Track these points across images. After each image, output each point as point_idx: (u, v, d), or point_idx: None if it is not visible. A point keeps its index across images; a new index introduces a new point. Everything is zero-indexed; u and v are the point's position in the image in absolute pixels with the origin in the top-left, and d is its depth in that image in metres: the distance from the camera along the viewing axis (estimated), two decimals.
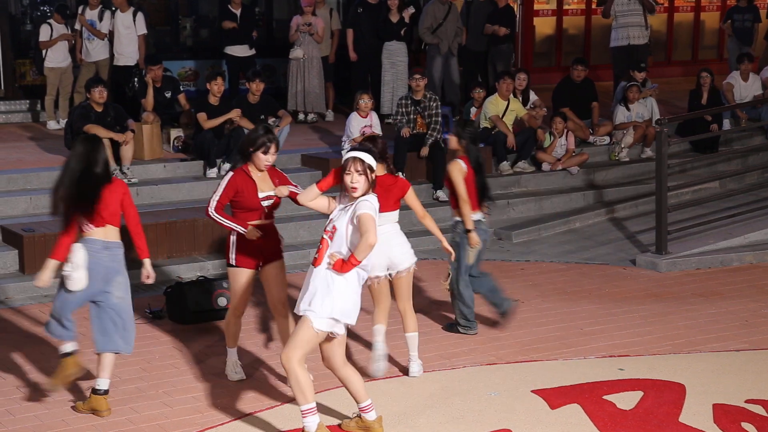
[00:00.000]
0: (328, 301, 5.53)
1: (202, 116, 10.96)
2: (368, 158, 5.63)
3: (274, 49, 15.18)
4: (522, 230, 10.96)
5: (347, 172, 5.58)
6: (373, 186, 5.65)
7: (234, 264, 6.52)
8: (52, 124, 13.10)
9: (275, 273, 6.60)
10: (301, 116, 13.78)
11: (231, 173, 6.49)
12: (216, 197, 6.45)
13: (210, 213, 6.45)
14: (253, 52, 13.64)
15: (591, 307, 8.48)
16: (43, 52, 13.04)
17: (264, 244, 6.50)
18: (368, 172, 5.60)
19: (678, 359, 7.27)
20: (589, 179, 12.43)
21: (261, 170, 6.48)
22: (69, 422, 6.08)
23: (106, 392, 6.16)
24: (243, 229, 6.41)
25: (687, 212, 10.84)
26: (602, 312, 8.36)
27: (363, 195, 5.58)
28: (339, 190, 5.73)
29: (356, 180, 5.55)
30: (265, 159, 6.44)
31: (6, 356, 7.20)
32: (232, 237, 6.49)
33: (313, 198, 5.83)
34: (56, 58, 13.06)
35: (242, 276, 6.53)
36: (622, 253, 10.31)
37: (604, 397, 6.53)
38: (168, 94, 11.76)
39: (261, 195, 6.47)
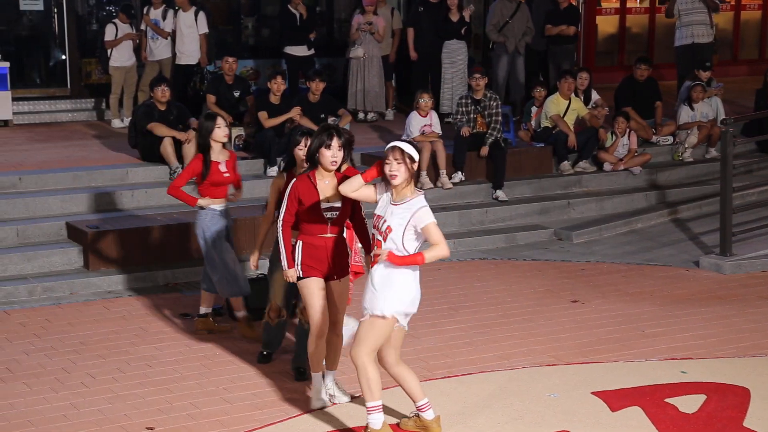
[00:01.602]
0: (391, 294, 5.56)
1: (263, 115, 11.04)
2: (408, 148, 5.62)
3: (335, 48, 15.24)
4: (583, 230, 10.86)
5: (387, 161, 5.60)
6: (411, 175, 5.62)
7: (302, 275, 6.09)
8: (116, 123, 13.30)
9: (339, 291, 6.18)
10: (360, 115, 13.81)
11: (292, 179, 6.18)
12: (284, 210, 6.08)
13: (278, 227, 6.13)
14: (312, 52, 13.70)
15: (653, 309, 8.36)
16: (108, 51, 13.24)
17: (331, 258, 6.10)
18: (408, 161, 5.60)
19: (742, 362, 7.14)
20: (652, 179, 12.27)
21: (329, 170, 6.03)
22: (131, 416, 6.16)
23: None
24: (288, 267, 6.07)
25: (752, 213, 10.65)
26: (664, 314, 8.25)
27: (403, 184, 5.60)
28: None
29: (395, 168, 5.57)
30: (331, 156, 5.98)
31: (70, 351, 7.32)
32: (298, 243, 6.12)
33: (357, 188, 5.75)
34: (121, 57, 13.25)
35: (313, 284, 6.07)
36: (685, 254, 10.16)
37: (666, 400, 6.44)
38: (237, 94, 11.86)
39: (324, 205, 6.04)
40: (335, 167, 6.03)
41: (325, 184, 6.05)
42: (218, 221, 7.46)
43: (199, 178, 7.43)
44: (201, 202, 7.43)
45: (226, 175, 7.48)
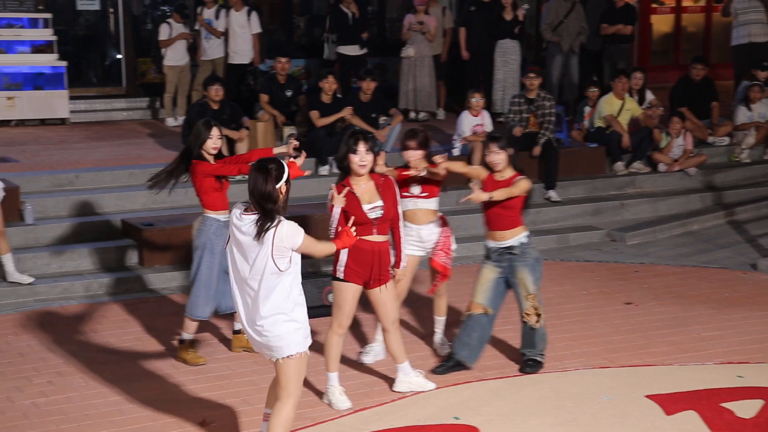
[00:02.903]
0: None
1: (314, 114, 11.07)
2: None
3: (387, 48, 15.25)
4: (636, 232, 10.75)
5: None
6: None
7: (342, 277, 6.21)
8: (170, 121, 13.44)
9: (387, 293, 6.31)
10: (412, 115, 13.80)
11: (332, 189, 6.24)
12: (336, 223, 6.19)
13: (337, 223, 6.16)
14: (364, 51, 13.72)
15: (709, 312, 8.25)
16: (163, 50, 13.38)
17: (375, 261, 6.21)
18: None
19: None
20: (708, 180, 12.11)
21: (360, 175, 6.17)
22: (183, 412, 6.21)
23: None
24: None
25: None
26: (721, 317, 8.13)
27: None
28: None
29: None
30: (359, 160, 6.13)
31: (125, 347, 7.40)
32: (344, 251, 6.16)
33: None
34: (175, 56, 13.38)
35: (349, 291, 6.22)
36: (742, 257, 10.00)
37: (722, 404, 6.34)
38: (289, 93, 11.92)
39: (366, 207, 6.18)
40: (366, 171, 6.19)
41: (362, 189, 6.21)
42: (223, 233, 6.77)
43: (206, 182, 6.88)
44: None
45: (222, 180, 6.96)
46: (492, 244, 6.79)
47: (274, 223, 5.00)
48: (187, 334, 7.06)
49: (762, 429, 6.00)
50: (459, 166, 6.95)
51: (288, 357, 5.10)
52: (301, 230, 5.08)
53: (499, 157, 6.73)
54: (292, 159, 6.29)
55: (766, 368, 6.99)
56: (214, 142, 6.93)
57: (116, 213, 9.73)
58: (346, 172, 6.24)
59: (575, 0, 13.75)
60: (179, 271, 8.99)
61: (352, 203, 6.16)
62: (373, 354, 7.08)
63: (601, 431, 5.97)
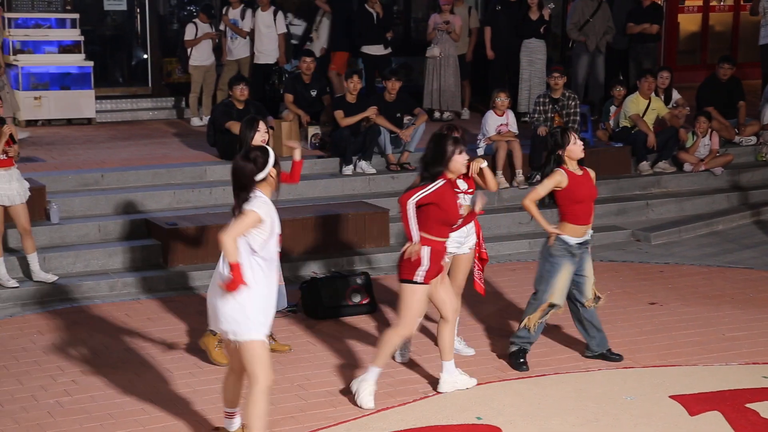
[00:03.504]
0: None
1: (339, 114, 11.09)
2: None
3: (412, 48, 15.23)
4: (661, 232, 10.69)
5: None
6: None
7: (422, 281, 6.18)
8: (195, 121, 13.50)
9: (447, 285, 6.45)
10: (437, 114, 13.79)
11: (441, 182, 6.18)
12: (419, 194, 6.12)
13: (408, 203, 6.08)
14: (388, 51, 13.72)
15: (734, 312, 8.19)
16: (188, 50, 13.44)
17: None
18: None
19: None
20: (734, 180, 12.02)
21: (461, 173, 6.29)
22: (207, 411, 6.23)
23: None
24: (416, 239, 6.09)
25: None
26: (746, 317, 8.06)
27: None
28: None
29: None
30: (462, 159, 6.25)
31: (149, 346, 7.44)
32: (424, 250, 6.15)
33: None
34: (200, 56, 13.44)
35: (425, 293, 6.24)
36: None
37: (747, 405, 6.29)
38: (314, 93, 11.94)
39: (461, 210, 6.30)
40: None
41: (457, 189, 6.36)
42: None
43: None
44: None
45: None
46: (574, 240, 6.80)
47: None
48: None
49: None
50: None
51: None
52: (251, 211, 5.21)
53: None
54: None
55: None
56: (261, 135, 7.01)
57: (141, 212, 9.79)
58: (441, 172, 6.20)
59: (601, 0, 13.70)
60: (203, 270, 9.02)
61: (453, 202, 6.20)
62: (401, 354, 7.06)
63: (625, 431, 5.95)
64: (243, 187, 5.31)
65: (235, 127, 10.68)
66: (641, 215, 11.18)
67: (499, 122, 11.12)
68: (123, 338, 7.59)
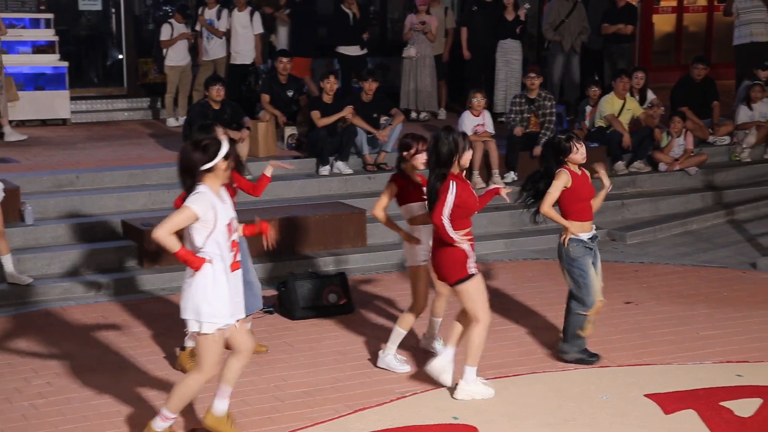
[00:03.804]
0: None
1: (315, 114, 11.07)
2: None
3: (388, 48, 15.25)
4: (636, 231, 10.75)
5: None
6: None
7: (476, 271, 6.32)
8: (171, 122, 13.45)
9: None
10: (413, 115, 13.81)
11: (453, 183, 6.24)
12: (447, 208, 6.20)
13: (444, 221, 6.19)
14: (365, 51, 13.73)
15: (708, 311, 8.25)
16: (164, 50, 13.39)
17: None
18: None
19: None
20: (708, 180, 12.10)
21: (464, 169, 6.41)
22: (182, 412, 6.21)
23: None
24: (459, 241, 6.22)
25: None
26: (720, 316, 8.13)
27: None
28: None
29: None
30: (469, 155, 6.39)
31: (125, 348, 7.41)
32: (464, 247, 6.27)
33: None
34: (176, 56, 13.39)
35: (482, 281, 6.40)
36: (742, 256, 10.00)
37: (721, 403, 6.34)
38: (290, 93, 11.93)
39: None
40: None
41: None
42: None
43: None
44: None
45: (234, 185, 6.80)
46: (585, 235, 6.91)
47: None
48: (191, 342, 6.88)
49: (761, 427, 6.00)
50: None
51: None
52: (186, 207, 5.26)
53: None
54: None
55: (764, 367, 6.99)
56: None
57: (116, 213, 9.74)
58: (448, 168, 6.29)
59: (576, 0, 13.76)
60: (179, 272, 8.97)
61: (471, 197, 6.35)
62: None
63: (601, 431, 5.97)
64: (188, 174, 5.30)
65: None
66: (616, 215, 11.24)
67: (475, 122, 11.15)
68: (98, 340, 7.56)
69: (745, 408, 6.26)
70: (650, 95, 12.60)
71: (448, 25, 14.17)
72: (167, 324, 7.90)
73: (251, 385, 6.66)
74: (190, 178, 5.30)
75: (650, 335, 7.64)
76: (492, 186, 6.78)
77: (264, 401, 6.41)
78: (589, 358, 7.03)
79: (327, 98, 11.17)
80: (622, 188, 11.72)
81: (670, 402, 6.36)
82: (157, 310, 8.29)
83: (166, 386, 6.62)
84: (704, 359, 7.15)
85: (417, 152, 6.78)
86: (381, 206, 6.86)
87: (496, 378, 6.77)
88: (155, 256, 9.07)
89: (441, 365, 6.49)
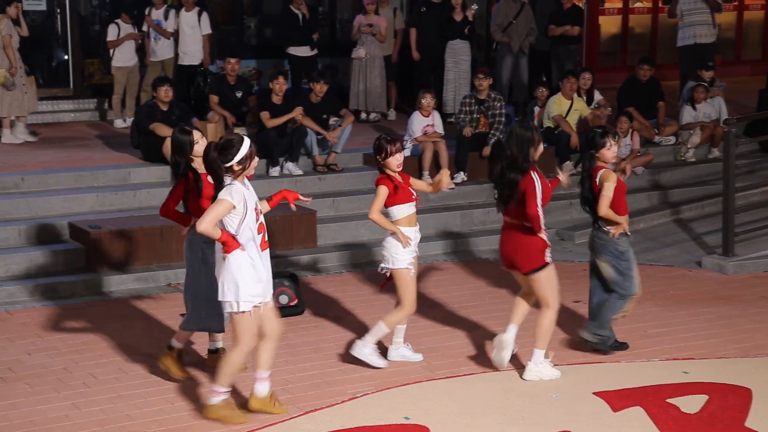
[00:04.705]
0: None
1: (265, 115, 11.03)
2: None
3: (338, 49, 15.24)
4: (585, 231, 10.80)
5: None
6: None
7: (551, 260, 6.70)
8: (118, 123, 13.31)
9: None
10: (363, 115, 13.81)
11: (536, 175, 6.59)
12: (539, 200, 6.56)
13: (539, 213, 6.55)
14: (314, 52, 13.71)
15: (655, 309, 8.36)
16: (111, 51, 13.25)
17: None
18: None
19: (744, 363, 7.14)
20: (654, 180, 12.26)
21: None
22: (133, 416, 6.17)
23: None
24: (542, 229, 6.59)
25: (755, 214, 10.66)
26: (666, 314, 8.24)
27: None
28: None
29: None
30: (541, 151, 6.69)
31: (72, 351, 7.33)
32: (542, 237, 6.64)
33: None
34: (123, 57, 13.25)
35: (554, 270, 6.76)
36: (688, 254, 10.15)
37: (668, 400, 6.43)
38: (239, 94, 11.87)
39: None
40: None
41: None
42: (212, 242, 6.23)
43: (192, 195, 6.51)
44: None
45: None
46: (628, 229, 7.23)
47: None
48: (178, 343, 6.72)
49: (706, 423, 6.10)
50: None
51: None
52: (220, 200, 5.69)
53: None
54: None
55: (710, 364, 7.11)
56: (201, 145, 6.55)
57: (63, 216, 9.62)
58: (528, 161, 6.61)
59: (524, 1, 13.86)
60: (127, 274, 8.92)
61: (548, 187, 6.71)
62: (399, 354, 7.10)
63: (550, 429, 6.03)
64: (214, 173, 5.80)
65: (159, 128, 10.59)
66: (565, 214, 11.33)
67: (425, 123, 11.19)
68: (45, 344, 7.46)
69: (691, 404, 6.36)
70: (597, 96, 12.74)
71: (397, 26, 14.20)
72: (115, 327, 7.82)
73: (201, 388, 6.61)
74: (217, 176, 5.80)
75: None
76: (557, 175, 7.02)
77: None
78: (618, 345, 7.26)
79: (276, 99, 11.13)
80: (570, 188, 11.79)
81: (618, 399, 6.44)
82: (106, 312, 8.20)
83: (115, 389, 6.56)
84: (651, 357, 7.25)
85: (390, 154, 6.75)
86: (377, 209, 6.77)
87: (446, 378, 6.80)
88: (104, 258, 8.98)
89: (503, 341, 6.78)
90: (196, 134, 6.67)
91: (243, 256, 5.79)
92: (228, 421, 5.99)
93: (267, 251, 5.99)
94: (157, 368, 6.88)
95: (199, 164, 6.50)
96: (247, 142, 5.83)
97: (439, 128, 11.24)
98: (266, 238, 5.96)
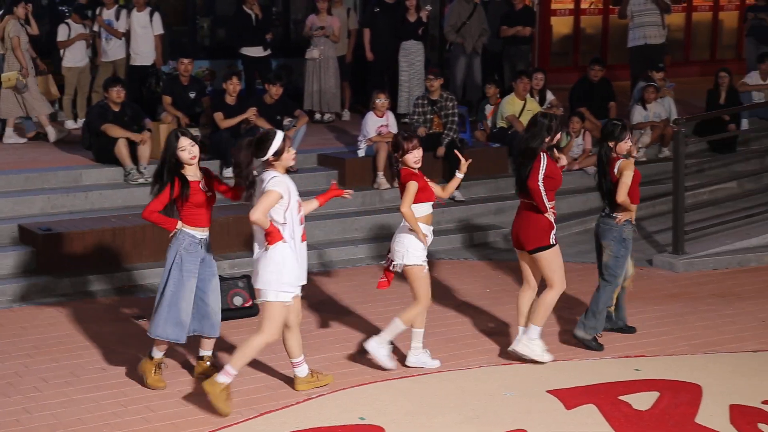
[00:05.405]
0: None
1: (218, 116, 10.98)
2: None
3: (291, 49, 15.20)
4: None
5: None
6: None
7: (555, 242, 6.92)
8: (69, 124, 13.16)
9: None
10: (317, 116, 13.79)
11: (544, 155, 6.81)
12: (541, 174, 6.76)
13: (539, 185, 6.76)
14: (268, 52, 13.66)
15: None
16: (61, 51, 13.11)
17: None
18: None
19: (695, 360, 7.24)
20: None
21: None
22: (85, 420, 6.11)
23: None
24: (549, 209, 6.85)
25: (704, 212, 10.78)
26: None
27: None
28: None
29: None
30: (558, 138, 7.01)
31: (23, 355, 7.23)
32: (548, 218, 6.88)
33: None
34: (74, 57, 13.12)
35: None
36: (639, 253, 10.22)
37: (620, 397, 6.50)
38: (192, 95, 11.80)
39: None
40: None
41: None
42: (196, 250, 6.43)
43: (179, 200, 6.39)
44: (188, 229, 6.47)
45: (209, 194, 6.50)
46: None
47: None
48: (158, 351, 6.59)
49: (657, 420, 6.17)
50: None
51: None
52: (270, 191, 6.00)
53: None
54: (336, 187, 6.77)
55: (661, 361, 7.20)
56: (188, 153, 6.33)
57: (12, 218, 9.49)
58: (539, 143, 6.85)
59: (477, 2, 13.93)
60: (78, 276, 8.82)
61: (558, 171, 6.95)
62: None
63: (505, 427, 6.06)
64: (241, 170, 6.09)
65: (111, 129, 10.50)
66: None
67: (379, 123, 11.20)
68: None
69: (642, 401, 6.43)
70: (549, 96, 12.84)
71: (350, 26, 14.20)
72: (66, 330, 7.74)
73: (155, 390, 6.57)
74: (237, 168, 6.11)
75: (551, 332, 7.76)
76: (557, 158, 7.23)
77: (168, 407, 6.33)
78: (598, 345, 7.40)
79: (230, 99, 11.08)
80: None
81: (571, 397, 6.50)
82: (56, 316, 8.10)
83: (66, 393, 6.49)
84: (604, 355, 7.32)
85: (407, 151, 6.72)
86: (409, 203, 6.67)
87: (400, 378, 6.82)
88: (54, 261, 8.87)
89: (526, 346, 7.00)
90: (185, 140, 6.35)
91: (286, 248, 6.06)
92: (217, 403, 6.07)
93: (305, 243, 6.26)
94: (109, 372, 6.82)
95: (190, 172, 6.39)
96: (280, 135, 6.10)
97: (394, 128, 11.24)
98: (304, 231, 6.23)
